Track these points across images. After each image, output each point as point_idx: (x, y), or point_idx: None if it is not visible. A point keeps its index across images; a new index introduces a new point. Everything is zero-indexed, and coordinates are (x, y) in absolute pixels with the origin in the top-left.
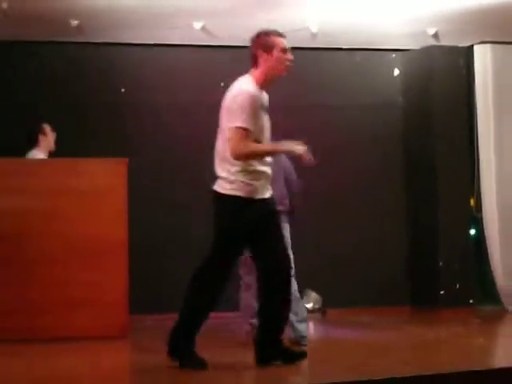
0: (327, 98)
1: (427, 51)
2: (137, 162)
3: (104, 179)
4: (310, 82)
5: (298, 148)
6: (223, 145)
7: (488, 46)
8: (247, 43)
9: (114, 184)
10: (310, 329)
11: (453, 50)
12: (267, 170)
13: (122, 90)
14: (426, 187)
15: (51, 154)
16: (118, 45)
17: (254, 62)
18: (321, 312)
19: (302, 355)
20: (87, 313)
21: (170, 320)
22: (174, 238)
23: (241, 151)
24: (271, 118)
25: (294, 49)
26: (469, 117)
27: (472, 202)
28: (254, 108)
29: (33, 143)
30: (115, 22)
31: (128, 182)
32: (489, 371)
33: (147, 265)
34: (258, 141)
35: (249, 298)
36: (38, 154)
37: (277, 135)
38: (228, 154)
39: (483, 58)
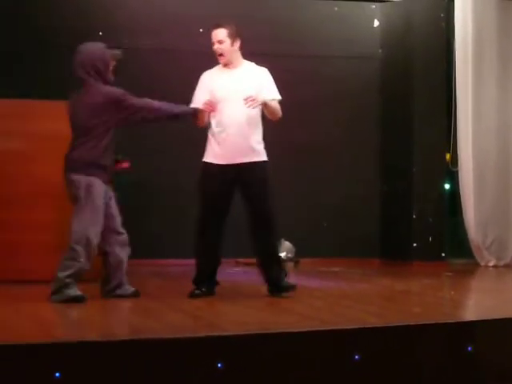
0: (306, 48)
1: (408, 3)
2: None
3: None
4: (288, 32)
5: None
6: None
7: None
8: None
9: None
10: None
11: (433, 3)
12: None
13: (100, 33)
14: (402, 140)
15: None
16: None
17: None
18: (294, 262)
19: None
20: (59, 256)
21: (141, 266)
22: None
23: None
24: None
25: None
26: (447, 70)
27: (448, 156)
28: None
29: None
30: None
31: None
32: (458, 324)
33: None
34: None
35: None
36: None
37: None
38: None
39: (463, 11)
